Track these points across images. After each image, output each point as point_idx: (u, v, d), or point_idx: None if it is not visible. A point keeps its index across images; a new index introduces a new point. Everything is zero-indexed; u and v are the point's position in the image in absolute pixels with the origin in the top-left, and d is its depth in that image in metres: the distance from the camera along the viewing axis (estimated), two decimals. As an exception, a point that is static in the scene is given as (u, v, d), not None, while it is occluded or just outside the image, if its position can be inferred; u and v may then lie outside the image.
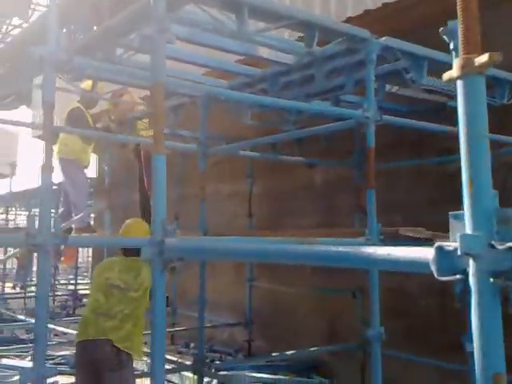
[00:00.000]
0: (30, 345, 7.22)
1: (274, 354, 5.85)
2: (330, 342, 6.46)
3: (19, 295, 14.42)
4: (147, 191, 6.11)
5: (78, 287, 14.06)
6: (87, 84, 5.95)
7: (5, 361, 6.50)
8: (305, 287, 6.96)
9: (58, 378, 5.29)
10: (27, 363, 6.42)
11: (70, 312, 11.88)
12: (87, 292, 14.65)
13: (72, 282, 14.84)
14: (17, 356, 6.93)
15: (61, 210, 6.10)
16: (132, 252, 4.01)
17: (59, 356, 6.89)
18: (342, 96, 5.06)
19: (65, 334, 7.81)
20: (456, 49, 1.33)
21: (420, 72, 3.73)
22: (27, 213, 18.42)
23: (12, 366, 6.21)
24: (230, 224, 8.18)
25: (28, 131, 11.40)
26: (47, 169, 2.91)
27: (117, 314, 3.87)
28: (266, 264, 7.71)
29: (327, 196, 7.04)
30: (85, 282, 16.07)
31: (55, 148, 5.95)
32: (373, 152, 3.68)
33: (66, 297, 13.74)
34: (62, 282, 16.89)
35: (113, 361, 3.71)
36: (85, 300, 13.79)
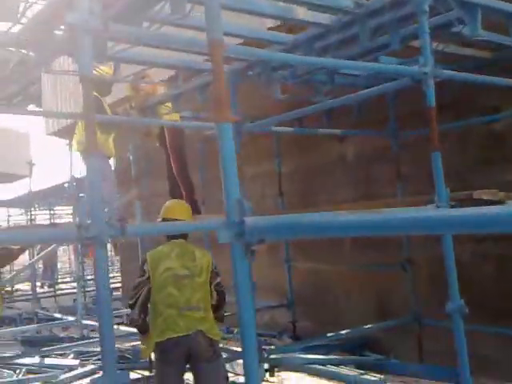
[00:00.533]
0: (72, 343, 7.14)
1: (328, 335, 5.65)
2: (381, 318, 6.26)
3: (50, 294, 14.37)
4: (176, 177, 5.92)
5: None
6: (104, 69, 5.74)
7: (49, 360, 6.38)
8: (345, 264, 6.76)
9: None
10: (71, 361, 6.31)
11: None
12: (117, 285, 14.61)
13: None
14: (59, 355, 6.82)
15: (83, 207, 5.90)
16: (178, 236, 3.81)
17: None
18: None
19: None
20: None
21: (474, 23, 3.45)
22: (48, 212, 18.38)
23: (57, 365, 6.09)
24: (259, 205, 7.96)
25: (41, 130, 11.18)
26: (92, 153, 2.65)
27: (199, 304, 3.73)
28: (301, 243, 7.53)
29: (361, 168, 6.79)
30: (112, 275, 15.95)
31: (74, 143, 5.78)
32: (434, 112, 3.42)
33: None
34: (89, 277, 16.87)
35: (209, 352, 3.67)
36: (116, 293, 13.73)
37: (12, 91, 16.98)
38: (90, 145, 2.63)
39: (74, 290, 14.56)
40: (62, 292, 14.79)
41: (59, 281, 17.97)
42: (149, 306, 3.79)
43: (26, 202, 13.76)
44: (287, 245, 7.57)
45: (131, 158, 6.34)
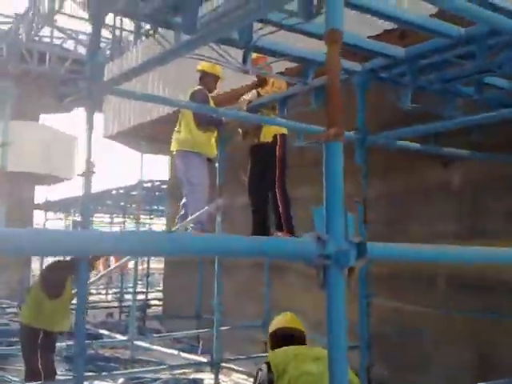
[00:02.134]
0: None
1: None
2: (481, 375, 5.38)
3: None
4: (277, 190, 5.21)
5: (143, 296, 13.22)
6: (205, 65, 5.18)
7: (99, 384, 5.65)
8: (437, 307, 5.90)
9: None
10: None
11: (142, 325, 10.99)
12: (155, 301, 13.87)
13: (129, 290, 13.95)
14: (110, 379, 6.07)
15: (181, 212, 5.23)
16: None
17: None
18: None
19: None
20: None
21: None
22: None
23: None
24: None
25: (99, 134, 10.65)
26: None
27: None
28: (385, 277, 6.72)
29: (468, 199, 5.98)
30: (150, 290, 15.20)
31: (173, 141, 5.16)
32: None
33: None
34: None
35: None
36: (153, 309, 13.02)
37: (65, 91, 16.55)
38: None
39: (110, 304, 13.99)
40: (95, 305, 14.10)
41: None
42: None
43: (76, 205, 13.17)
44: (365, 276, 6.76)
45: (217, 165, 5.64)
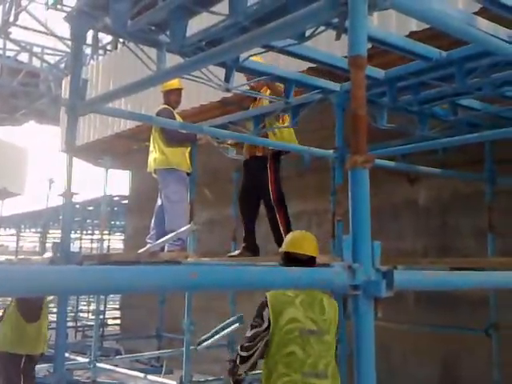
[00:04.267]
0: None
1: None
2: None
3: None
4: (273, 204, 5.06)
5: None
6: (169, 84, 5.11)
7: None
8: (407, 322, 5.95)
9: None
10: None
11: (100, 345, 10.58)
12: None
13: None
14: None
15: (152, 231, 5.10)
16: None
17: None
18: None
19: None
20: None
21: None
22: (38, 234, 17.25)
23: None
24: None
25: (39, 146, 10.33)
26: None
27: (327, 370, 2.93)
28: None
29: (436, 216, 6.10)
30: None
31: (149, 162, 5.07)
32: None
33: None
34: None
35: None
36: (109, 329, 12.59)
37: (17, 104, 16.04)
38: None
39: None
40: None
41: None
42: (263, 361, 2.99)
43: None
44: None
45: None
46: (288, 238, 3.27)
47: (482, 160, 5.31)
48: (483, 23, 3.01)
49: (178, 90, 5.31)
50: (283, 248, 3.21)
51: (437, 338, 5.73)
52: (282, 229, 4.87)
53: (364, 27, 1.75)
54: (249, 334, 3.01)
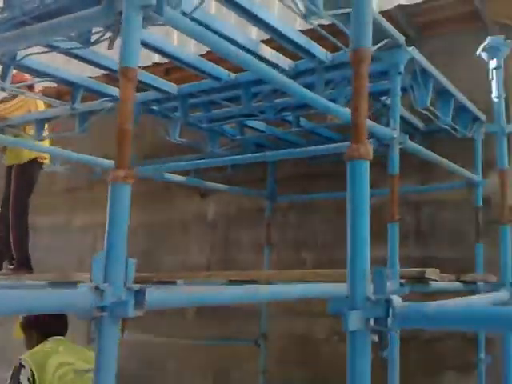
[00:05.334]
0: None
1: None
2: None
3: None
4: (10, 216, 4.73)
5: None
6: None
7: None
8: (185, 337, 5.95)
9: None
10: None
11: None
12: None
13: None
14: None
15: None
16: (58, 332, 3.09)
17: None
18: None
19: None
20: None
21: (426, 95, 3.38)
22: None
23: None
24: (82, 265, 6.78)
25: None
26: None
27: None
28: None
29: (221, 230, 6.30)
30: None
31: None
32: (397, 180, 3.13)
33: None
34: None
35: None
36: None
37: None
38: None
39: None
40: None
41: None
42: None
43: None
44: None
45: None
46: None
47: (265, 178, 5.66)
48: (267, 52, 3.22)
49: None
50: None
51: (211, 351, 5.83)
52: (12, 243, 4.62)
53: (137, 39, 1.72)
54: None
